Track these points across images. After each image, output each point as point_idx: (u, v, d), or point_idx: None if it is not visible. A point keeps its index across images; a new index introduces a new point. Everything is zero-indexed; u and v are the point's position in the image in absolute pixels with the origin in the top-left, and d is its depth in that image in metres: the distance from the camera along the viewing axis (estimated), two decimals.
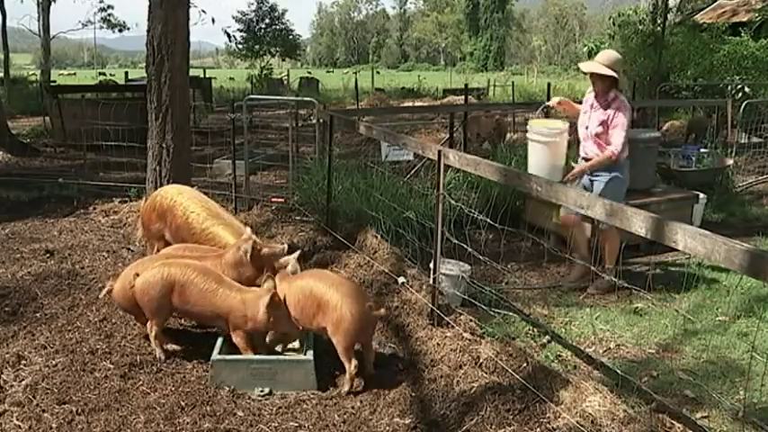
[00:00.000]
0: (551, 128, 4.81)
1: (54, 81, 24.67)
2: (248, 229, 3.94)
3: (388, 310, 4.08)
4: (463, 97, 14.44)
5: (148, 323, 3.53)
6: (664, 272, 5.29)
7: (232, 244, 3.79)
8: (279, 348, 3.59)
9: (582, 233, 5.00)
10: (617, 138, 4.60)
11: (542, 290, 4.90)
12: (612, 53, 4.81)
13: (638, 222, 2.38)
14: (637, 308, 4.56)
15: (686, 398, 3.37)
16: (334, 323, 3.23)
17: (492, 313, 3.87)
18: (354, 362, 3.22)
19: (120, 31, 32.33)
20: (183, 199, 4.32)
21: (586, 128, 4.81)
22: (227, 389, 3.23)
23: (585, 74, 4.75)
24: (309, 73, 40.80)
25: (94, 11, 30.91)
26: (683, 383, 3.50)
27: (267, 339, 3.51)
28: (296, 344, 3.61)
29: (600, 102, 4.70)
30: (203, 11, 19.97)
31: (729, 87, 12.86)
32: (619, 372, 3.19)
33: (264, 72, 28.62)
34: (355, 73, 34.49)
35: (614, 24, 22.80)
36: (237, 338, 3.35)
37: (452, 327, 3.71)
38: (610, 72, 4.55)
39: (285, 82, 27.98)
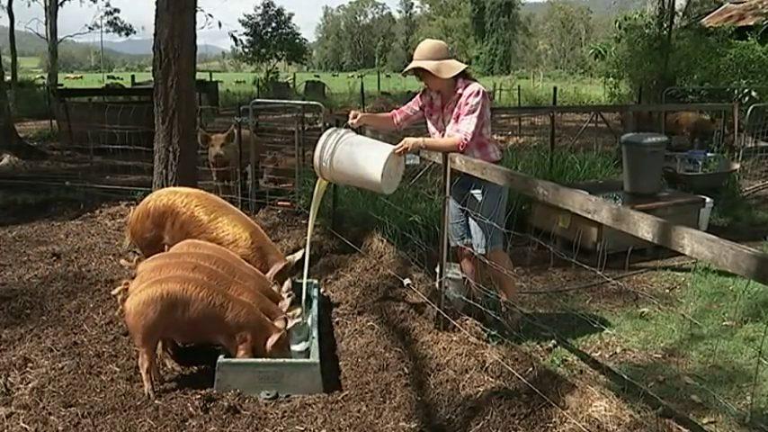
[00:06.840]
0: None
1: (61, 84, 24.86)
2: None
3: (393, 315, 4.08)
4: None
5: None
6: (670, 276, 5.27)
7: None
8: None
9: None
10: (465, 124, 3.71)
11: (548, 294, 4.90)
12: (432, 42, 3.94)
13: (645, 227, 2.38)
14: (643, 312, 4.55)
15: (693, 403, 3.36)
16: None
17: (497, 318, 3.86)
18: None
19: (127, 34, 32.56)
20: (181, 196, 4.19)
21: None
22: (233, 392, 3.22)
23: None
24: (316, 77, 40.93)
25: (101, 15, 31.14)
26: (689, 388, 3.49)
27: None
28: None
29: (451, 101, 3.87)
30: (210, 15, 20.15)
31: (736, 91, 12.81)
32: (625, 376, 3.17)
33: (270, 76, 28.77)
34: (361, 77, 34.55)
35: (620, 28, 22.78)
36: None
37: (458, 330, 3.70)
38: (432, 66, 3.77)
39: (291, 85, 28.06)
